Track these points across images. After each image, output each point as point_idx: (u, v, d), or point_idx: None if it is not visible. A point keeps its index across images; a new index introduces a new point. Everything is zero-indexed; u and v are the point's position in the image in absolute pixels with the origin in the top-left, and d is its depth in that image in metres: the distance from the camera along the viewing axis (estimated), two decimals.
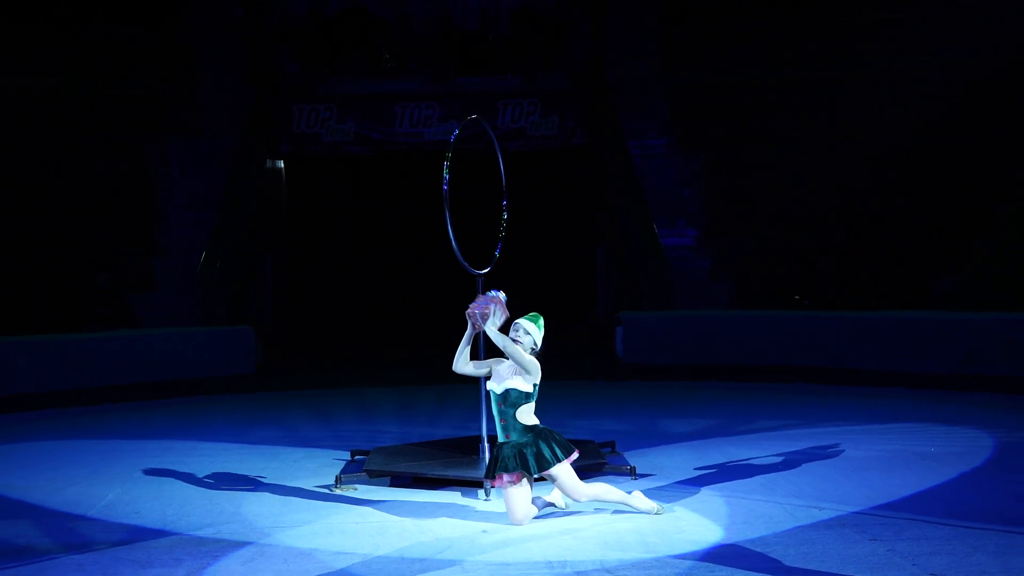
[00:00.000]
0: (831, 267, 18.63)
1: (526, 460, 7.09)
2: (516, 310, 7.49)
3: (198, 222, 19.64)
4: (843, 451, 9.36)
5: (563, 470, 7.15)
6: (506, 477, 7.11)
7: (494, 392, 7.25)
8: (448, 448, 9.16)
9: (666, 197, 20.36)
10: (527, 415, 7.20)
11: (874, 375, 14.44)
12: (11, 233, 18.76)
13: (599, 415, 11.73)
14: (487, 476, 7.29)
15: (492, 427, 8.84)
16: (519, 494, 7.12)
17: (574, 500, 7.21)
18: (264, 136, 20.57)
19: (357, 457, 9.41)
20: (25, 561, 6.49)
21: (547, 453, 7.12)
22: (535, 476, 7.14)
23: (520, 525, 7.07)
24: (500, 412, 7.22)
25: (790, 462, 8.94)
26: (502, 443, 7.23)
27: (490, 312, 7.29)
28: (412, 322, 20.43)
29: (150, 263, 19.17)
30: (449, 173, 8.51)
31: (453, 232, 8.40)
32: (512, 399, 7.18)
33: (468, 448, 8.95)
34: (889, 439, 9.97)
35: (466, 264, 8.49)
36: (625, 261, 19.22)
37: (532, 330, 7.35)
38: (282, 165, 21.38)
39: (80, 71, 20.64)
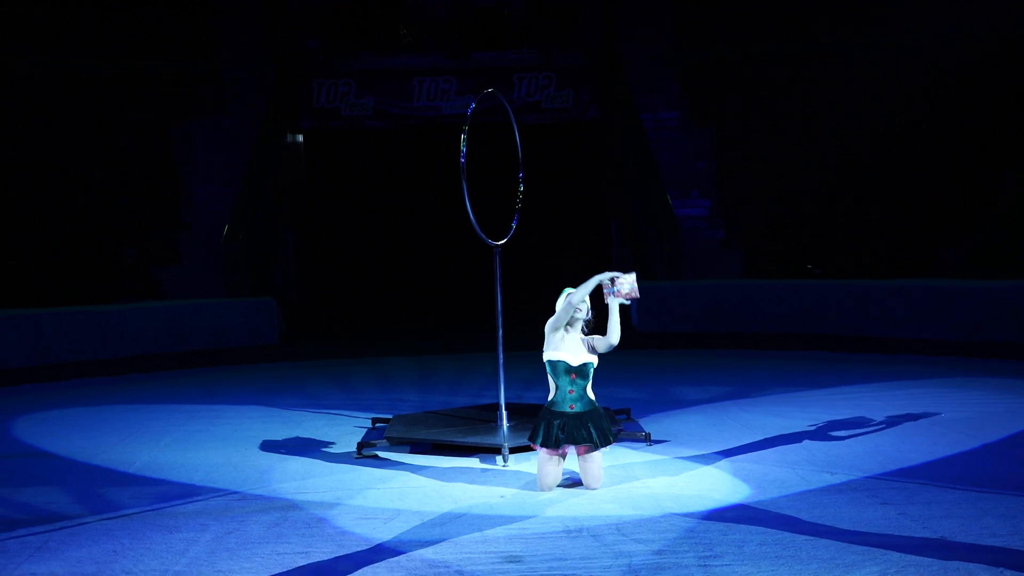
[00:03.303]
0: (841, 236, 18.61)
1: (591, 434, 7.11)
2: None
3: (222, 197, 19.75)
4: (855, 417, 9.41)
5: (601, 455, 7.26)
6: (570, 448, 7.15)
7: (567, 364, 7.17)
8: (467, 416, 9.27)
9: (679, 169, 20.30)
10: (591, 389, 7.28)
11: (885, 342, 14.44)
12: (40, 209, 18.98)
13: (615, 383, 11.69)
14: (546, 445, 7.14)
15: (511, 395, 9.02)
16: (553, 462, 7.20)
17: (590, 487, 7.18)
18: (285, 111, 20.60)
19: (378, 424, 9.48)
20: (56, 527, 6.56)
21: (608, 432, 7.22)
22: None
23: (547, 492, 7.14)
24: (571, 384, 7.17)
25: (802, 428, 9.01)
26: (565, 414, 7.17)
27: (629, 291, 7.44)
28: (430, 293, 20.55)
29: (175, 237, 19.35)
30: (466, 146, 8.58)
31: (470, 204, 8.45)
32: (587, 372, 7.20)
33: (486, 416, 9.04)
34: (900, 405, 10.02)
35: (483, 235, 8.56)
36: (639, 232, 19.26)
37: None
38: (302, 140, 21.49)
39: (105, 51, 20.77)
